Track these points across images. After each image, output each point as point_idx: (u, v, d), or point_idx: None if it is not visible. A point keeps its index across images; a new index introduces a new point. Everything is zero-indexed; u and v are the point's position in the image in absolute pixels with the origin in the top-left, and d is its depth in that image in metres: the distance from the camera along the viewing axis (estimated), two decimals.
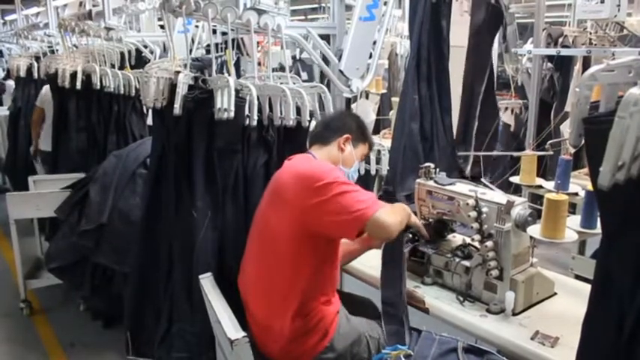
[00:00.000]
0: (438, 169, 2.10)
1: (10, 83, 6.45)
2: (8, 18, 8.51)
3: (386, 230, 1.73)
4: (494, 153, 4.35)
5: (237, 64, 5.49)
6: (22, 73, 5.27)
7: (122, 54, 3.62)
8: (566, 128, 3.53)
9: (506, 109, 4.39)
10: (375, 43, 2.65)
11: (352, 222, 1.71)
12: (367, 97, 4.91)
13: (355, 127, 2.07)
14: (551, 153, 2.93)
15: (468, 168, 3.14)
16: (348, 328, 1.92)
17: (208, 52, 2.98)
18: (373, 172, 2.50)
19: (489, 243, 1.79)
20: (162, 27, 4.24)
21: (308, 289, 1.84)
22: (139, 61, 3.76)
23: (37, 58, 5.12)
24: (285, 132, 2.21)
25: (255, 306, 1.92)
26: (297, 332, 1.83)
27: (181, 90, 2.14)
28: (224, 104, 2.03)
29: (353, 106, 2.88)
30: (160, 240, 2.43)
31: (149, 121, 3.54)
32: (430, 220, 2.09)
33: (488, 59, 3.41)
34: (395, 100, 4.25)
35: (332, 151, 2.01)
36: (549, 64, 4.12)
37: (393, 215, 1.77)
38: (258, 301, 1.92)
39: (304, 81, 2.74)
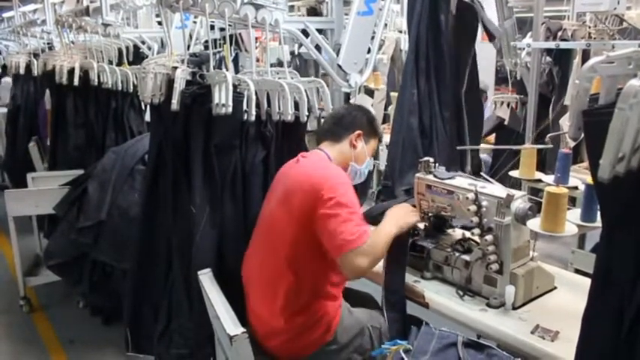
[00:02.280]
0: (437, 164, 2.09)
1: (7, 80, 6.43)
2: (5, 15, 8.47)
3: (354, 271, 1.76)
4: (494, 147, 4.36)
5: (235, 60, 5.48)
6: (22, 70, 5.26)
7: (120, 50, 3.61)
8: (565, 122, 3.52)
9: (502, 103, 4.38)
10: (373, 37, 2.64)
11: (333, 248, 1.74)
12: (372, 94, 4.90)
13: (366, 122, 2.06)
14: (551, 146, 2.92)
15: (468, 167, 3.10)
16: (351, 321, 1.93)
17: (207, 47, 2.97)
18: (371, 168, 2.48)
19: (489, 237, 1.78)
20: (159, 23, 4.22)
21: (312, 289, 1.85)
22: (137, 57, 3.75)
23: (36, 55, 5.11)
24: (284, 127, 2.20)
25: (257, 301, 1.92)
26: (299, 328, 1.84)
27: (179, 85, 2.13)
28: (222, 99, 2.02)
29: (351, 101, 2.87)
30: (159, 236, 2.43)
31: (147, 117, 3.53)
32: (430, 214, 2.09)
33: (465, 60, 3.18)
34: (394, 95, 4.24)
35: (344, 148, 2.01)
36: (548, 58, 4.11)
37: (369, 254, 1.75)
38: (260, 296, 1.92)
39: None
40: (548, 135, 2.84)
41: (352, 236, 1.72)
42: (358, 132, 2.01)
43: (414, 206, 2.08)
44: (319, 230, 1.77)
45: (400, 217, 1.96)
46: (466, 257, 1.89)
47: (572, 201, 2.74)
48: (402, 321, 1.89)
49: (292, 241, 1.82)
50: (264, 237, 1.97)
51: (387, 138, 2.88)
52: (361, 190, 2.54)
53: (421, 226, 2.09)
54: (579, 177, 2.68)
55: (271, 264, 1.88)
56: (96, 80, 3.49)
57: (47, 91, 4.38)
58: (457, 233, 2.11)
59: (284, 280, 1.84)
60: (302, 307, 1.84)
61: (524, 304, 1.78)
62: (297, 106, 2.14)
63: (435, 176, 2.02)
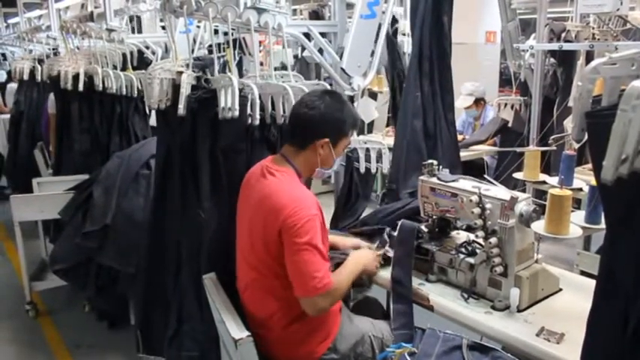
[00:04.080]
0: (441, 166, 2.09)
1: (13, 86, 6.46)
2: (11, 21, 8.54)
3: (316, 312, 1.78)
4: (498, 149, 4.35)
5: (239, 64, 5.49)
6: (25, 76, 5.29)
7: (124, 55, 3.63)
8: (569, 123, 3.51)
9: (506, 105, 4.36)
10: (376, 40, 2.64)
11: (297, 287, 1.74)
12: (375, 97, 4.89)
13: (333, 128, 1.89)
14: (555, 148, 2.91)
15: None
16: (351, 329, 1.91)
17: (211, 52, 2.98)
18: (374, 171, 2.48)
19: (493, 239, 1.78)
20: (164, 28, 4.24)
21: None
22: (141, 62, 3.76)
23: (41, 61, 5.13)
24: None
25: (253, 310, 1.90)
26: (296, 336, 1.83)
27: (185, 90, 2.13)
28: (228, 103, 2.03)
29: (355, 104, 2.87)
30: (168, 240, 2.43)
31: (152, 121, 3.55)
32: (434, 217, 2.09)
33: None
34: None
35: (309, 156, 1.89)
36: (552, 60, 4.10)
37: (332, 296, 1.78)
38: (254, 306, 1.90)
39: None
40: (552, 137, 2.84)
41: (318, 282, 1.70)
42: (324, 141, 1.86)
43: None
44: (286, 261, 1.76)
45: (364, 262, 1.98)
46: (470, 260, 1.88)
47: (577, 203, 2.73)
48: (408, 313, 1.89)
49: (270, 260, 1.80)
50: (245, 252, 1.93)
51: (391, 141, 2.88)
52: (363, 193, 2.54)
53: (425, 228, 2.09)
54: (583, 178, 2.67)
55: (257, 277, 1.86)
56: (100, 85, 3.50)
57: (51, 95, 4.41)
58: (461, 236, 2.11)
59: (272, 292, 1.83)
60: (297, 316, 1.82)
61: (529, 307, 1.78)
62: None
63: (438, 179, 2.03)
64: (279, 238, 1.74)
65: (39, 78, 5.04)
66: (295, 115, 1.91)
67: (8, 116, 5.98)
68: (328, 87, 2.27)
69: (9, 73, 7.26)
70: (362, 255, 2.02)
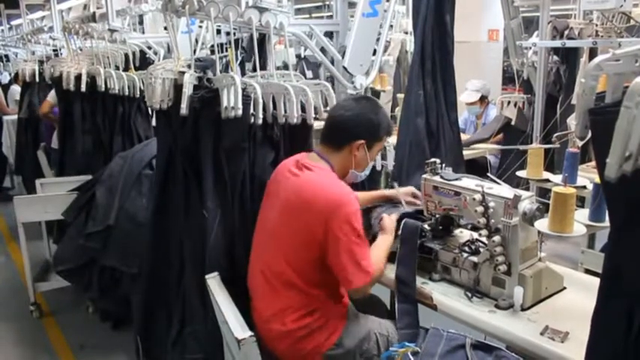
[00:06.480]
0: (444, 165, 2.08)
1: (16, 88, 6.46)
2: (14, 22, 8.55)
3: (363, 295, 1.86)
4: (501, 147, 4.34)
5: (242, 64, 5.49)
6: (28, 78, 5.29)
7: (126, 55, 3.63)
8: (572, 121, 3.50)
9: (509, 102, 4.35)
10: (378, 39, 2.64)
11: (344, 280, 1.80)
12: (378, 96, 4.89)
13: (369, 130, 1.95)
14: (558, 146, 2.90)
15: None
16: (357, 325, 1.92)
17: (213, 52, 2.98)
18: (379, 168, 2.48)
19: (497, 238, 1.77)
20: (166, 28, 4.24)
21: (316, 293, 1.85)
22: (144, 62, 3.76)
23: (43, 62, 5.14)
24: (290, 129, 2.20)
25: (262, 305, 1.92)
26: (304, 330, 1.84)
27: (187, 90, 2.13)
28: (231, 102, 2.02)
29: None
30: (170, 242, 2.42)
31: (154, 122, 3.55)
32: (437, 215, 2.08)
33: None
34: (401, 96, 4.23)
35: (344, 156, 1.95)
36: (555, 57, 4.09)
37: (376, 278, 1.86)
38: (265, 300, 1.92)
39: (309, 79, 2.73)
40: (556, 134, 2.82)
41: (366, 272, 1.78)
42: (360, 142, 1.93)
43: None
44: (330, 254, 1.79)
45: (390, 233, 2.02)
46: (474, 258, 1.88)
47: (581, 201, 2.72)
48: (413, 313, 1.89)
49: (296, 253, 1.83)
50: (266, 245, 1.96)
51: (394, 139, 2.87)
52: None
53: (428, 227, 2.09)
54: (587, 176, 2.66)
55: (274, 271, 1.88)
56: (103, 86, 3.51)
57: (52, 91, 4.41)
58: (465, 234, 2.10)
59: (288, 286, 1.85)
60: (307, 311, 1.84)
61: (533, 305, 1.77)
62: (304, 108, 2.14)
63: (441, 177, 2.02)
64: (324, 231, 1.77)
65: (47, 79, 5.03)
66: (331, 118, 1.99)
67: (12, 117, 5.98)
68: (330, 86, 2.27)
69: (10, 74, 7.27)
70: (388, 228, 2.03)
